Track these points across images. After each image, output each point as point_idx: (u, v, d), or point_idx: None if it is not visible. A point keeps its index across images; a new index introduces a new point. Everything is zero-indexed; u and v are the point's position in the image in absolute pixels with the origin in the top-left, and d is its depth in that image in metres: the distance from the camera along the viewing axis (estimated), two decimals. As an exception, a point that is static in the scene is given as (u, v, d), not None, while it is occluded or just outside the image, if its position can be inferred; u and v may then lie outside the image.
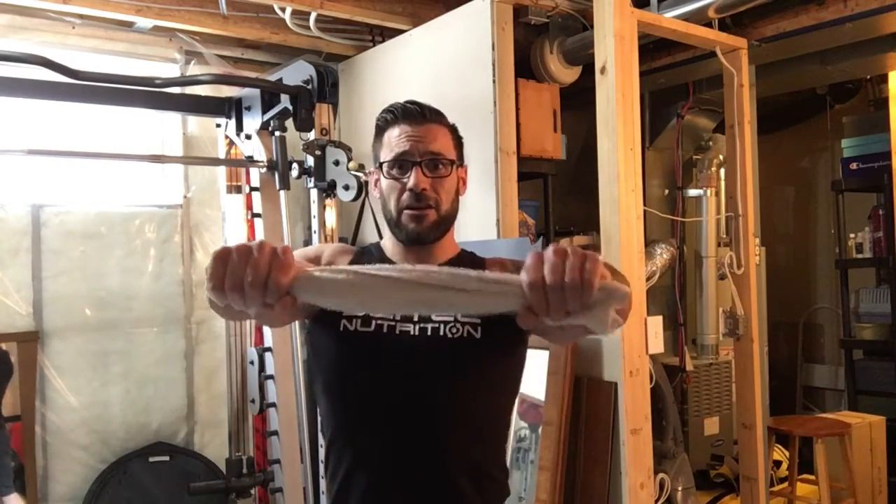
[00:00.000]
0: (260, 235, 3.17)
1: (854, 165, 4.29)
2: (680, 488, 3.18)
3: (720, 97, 3.20)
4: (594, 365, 2.56)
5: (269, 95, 2.97)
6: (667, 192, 4.06)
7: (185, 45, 3.48)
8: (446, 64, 3.08)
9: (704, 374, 3.77)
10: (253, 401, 3.22)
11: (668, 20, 2.81)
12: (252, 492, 3.31)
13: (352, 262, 1.36)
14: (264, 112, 2.98)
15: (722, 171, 3.84)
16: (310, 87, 2.83)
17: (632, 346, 2.47)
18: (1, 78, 2.63)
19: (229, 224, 3.35)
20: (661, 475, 2.83)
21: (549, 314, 0.90)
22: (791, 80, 3.78)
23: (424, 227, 1.31)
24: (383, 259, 1.37)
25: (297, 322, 2.67)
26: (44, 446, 3.26)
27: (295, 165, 2.89)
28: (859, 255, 4.30)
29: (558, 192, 3.48)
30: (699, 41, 2.99)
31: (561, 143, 3.20)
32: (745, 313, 3.03)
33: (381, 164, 1.34)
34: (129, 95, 2.85)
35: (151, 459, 3.45)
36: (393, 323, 1.28)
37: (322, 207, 2.95)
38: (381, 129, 1.37)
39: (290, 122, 2.93)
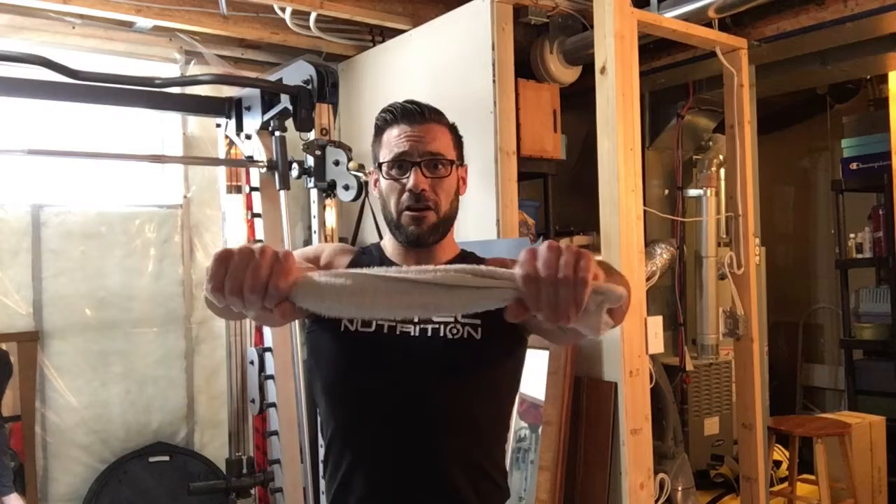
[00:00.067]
0: (260, 235, 3.17)
1: (854, 165, 4.29)
2: (680, 488, 3.18)
3: (720, 97, 3.20)
4: (594, 365, 2.56)
5: (269, 95, 2.97)
6: (667, 192, 4.06)
7: (185, 45, 3.47)
8: (446, 64, 3.08)
9: (704, 374, 3.78)
10: (253, 401, 3.22)
11: (668, 20, 2.81)
12: (252, 492, 3.31)
13: (352, 262, 1.35)
14: (264, 112, 2.98)
15: (722, 171, 3.84)
16: (310, 87, 2.83)
17: (632, 346, 2.47)
18: (1, 78, 2.63)
19: (229, 224, 3.36)
20: (661, 475, 2.82)
21: (540, 308, 0.90)
22: (791, 80, 3.78)
23: (424, 229, 1.30)
24: (383, 260, 1.36)
25: (297, 322, 2.67)
26: (44, 446, 3.26)
27: (295, 165, 2.89)
28: (859, 255, 4.31)
29: (558, 192, 3.48)
30: (699, 41, 2.99)
31: (561, 143, 3.20)
32: (745, 313, 3.03)
33: (380, 165, 1.33)
34: (129, 95, 2.85)
35: (151, 459, 3.45)
36: (393, 324, 1.27)
37: (322, 207, 2.95)
38: (380, 129, 1.35)
39: (290, 122, 2.93)
